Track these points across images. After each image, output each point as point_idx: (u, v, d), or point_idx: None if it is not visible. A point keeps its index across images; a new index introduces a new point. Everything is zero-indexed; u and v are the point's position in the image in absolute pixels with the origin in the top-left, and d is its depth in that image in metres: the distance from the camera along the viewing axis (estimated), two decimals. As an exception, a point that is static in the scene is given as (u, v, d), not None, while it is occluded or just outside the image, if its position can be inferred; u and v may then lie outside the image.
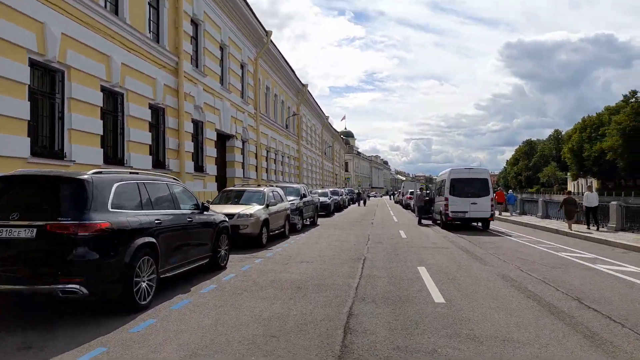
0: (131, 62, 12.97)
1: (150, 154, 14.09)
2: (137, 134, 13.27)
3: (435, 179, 27.70)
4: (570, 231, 16.56)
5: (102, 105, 11.55)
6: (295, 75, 37.17)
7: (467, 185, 18.22)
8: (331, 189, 33.93)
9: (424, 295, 6.74)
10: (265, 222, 12.82)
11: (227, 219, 9.35)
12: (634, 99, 78.99)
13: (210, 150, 19.16)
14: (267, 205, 13.43)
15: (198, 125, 18.23)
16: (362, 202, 49.19)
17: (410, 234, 16.85)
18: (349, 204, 42.02)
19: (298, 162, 39.98)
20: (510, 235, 16.18)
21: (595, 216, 17.57)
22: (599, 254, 11.47)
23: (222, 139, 21.67)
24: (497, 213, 23.28)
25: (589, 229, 17.18)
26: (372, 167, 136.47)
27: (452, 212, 17.94)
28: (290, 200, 17.12)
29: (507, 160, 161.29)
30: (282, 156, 34.40)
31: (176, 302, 6.26)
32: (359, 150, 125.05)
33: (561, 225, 18.41)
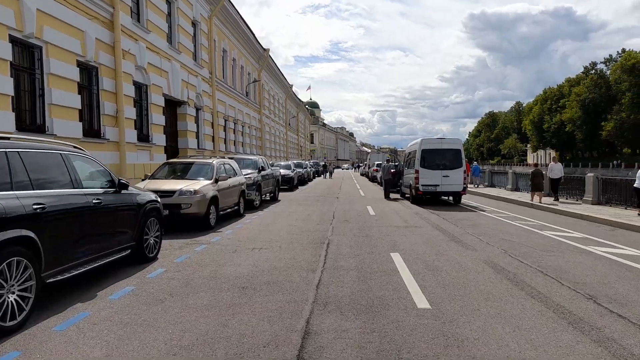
0: (50, 10, 10.65)
1: (80, 120, 11.91)
2: (62, 96, 11.05)
3: (402, 151, 26.74)
4: (541, 204, 15.74)
5: (11, 60, 9.32)
6: (256, 38, 34.69)
7: (438, 157, 16.93)
8: (295, 161, 32.19)
9: (402, 298, 5.28)
10: (214, 199, 11.11)
11: (157, 199, 7.55)
12: (593, 70, 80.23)
13: (158, 118, 17.00)
14: (217, 180, 11.71)
15: (142, 89, 15.99)
16: (328, 174, 48.10)
17: (379, 210, 15.48)
18: (314, 177, 40.55)
19: (260, 132, 37.90)
20: (483, 210, 15.09)
21: (556, 187, 17.13)
22: (586, 232, 10.40)
23: (173, 106, 19.47)
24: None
25: (556, 201, 16.59)
26: (338, 139, 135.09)
27: (422, 185, 16.66)
28: (247, 174, 15.39)
29: (470, 132, 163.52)
30: (242, 126, 32.28)
31: (66, 318, 4.51)
32: (325, 121, 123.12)
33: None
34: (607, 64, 78.20)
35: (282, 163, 29.57)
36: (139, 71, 15.35)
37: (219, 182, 11.84)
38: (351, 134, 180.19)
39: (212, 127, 24.04)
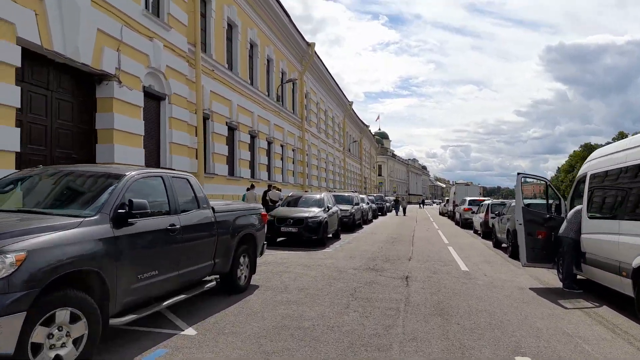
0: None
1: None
2: None
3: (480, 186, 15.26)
4: None
5: None
6: (297, 29, 25.40)
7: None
8: (350, 194, 21.56)
9: None
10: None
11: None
12: None
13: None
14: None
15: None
16: (401, 210, 38.26)
17: None
18: (375, 216, 29.61)
19: (302, 155, 27.97)
20: None
21: None
22: None
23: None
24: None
25: None
26: (409, 172, 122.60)
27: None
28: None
29: (559, 167, 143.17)
30: (271, 142, 22.63)
31: None
32: (395, 152, 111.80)
33: None
34: None
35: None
36: None
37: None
38: (424, 167, 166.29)
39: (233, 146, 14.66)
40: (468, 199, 23.36)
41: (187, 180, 5.48)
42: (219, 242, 5.70)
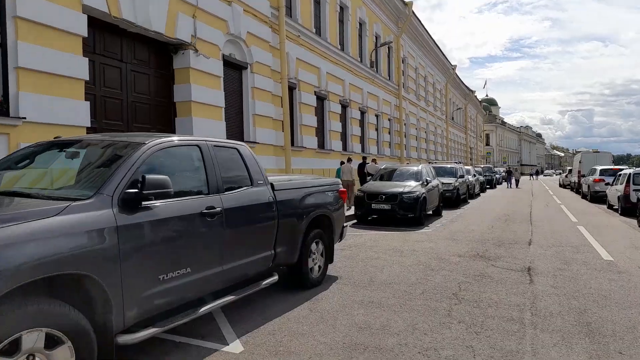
0: None
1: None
2: None
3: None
4: None
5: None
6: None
7: None
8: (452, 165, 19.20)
9: None
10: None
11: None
12: None
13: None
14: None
15: None
16: (513, 182, 34.82)
17: None
18: (483, 190, 26.91)
19: (399, 124, 26.08)
20: None
21: None
22: None
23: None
24: None
25: None
26: (521, 141, 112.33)
27: None
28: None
29: None
30: (364, 112, 21.18)
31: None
32: (504, 120, 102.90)
33: None
34: None
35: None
36: None
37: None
38: (539, 135, 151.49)
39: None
40: (599, 168, 19.68)
41: (237, 150, 4.35)
42: (280, 226, 4.54)
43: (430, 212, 12.92)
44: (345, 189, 6.35)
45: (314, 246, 5.27)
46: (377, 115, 23.04)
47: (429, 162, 23.81)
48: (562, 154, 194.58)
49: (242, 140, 11.81)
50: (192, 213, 3.47)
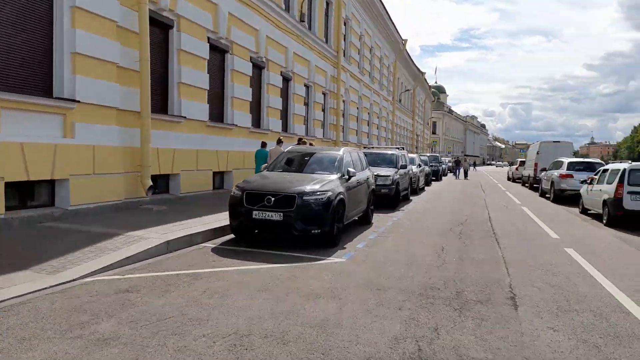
0: None
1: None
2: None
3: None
4: None
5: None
6: None
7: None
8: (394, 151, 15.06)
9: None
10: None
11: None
12: None
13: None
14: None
15: None
16: (461, 172, 32.49)
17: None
18: (428, 183, 23.37)
19: (335, 99, 21.81)
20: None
21: None
22: None
23: None
24: None
25: None
26: (467, 131, 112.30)
27: None
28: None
29: (635, 127, 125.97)
30: (289, 79, 16.69)
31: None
32: (451, 108, 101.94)
33: None
34: None
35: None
36: None
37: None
38: (483, 126, 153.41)
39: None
40: (567, 160, 16.45)
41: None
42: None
43: (356, 218, 8.79)
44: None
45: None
46: (307, 86, 18.62)
47: (364, 147, 19.83)
48: (503, 146, 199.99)
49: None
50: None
